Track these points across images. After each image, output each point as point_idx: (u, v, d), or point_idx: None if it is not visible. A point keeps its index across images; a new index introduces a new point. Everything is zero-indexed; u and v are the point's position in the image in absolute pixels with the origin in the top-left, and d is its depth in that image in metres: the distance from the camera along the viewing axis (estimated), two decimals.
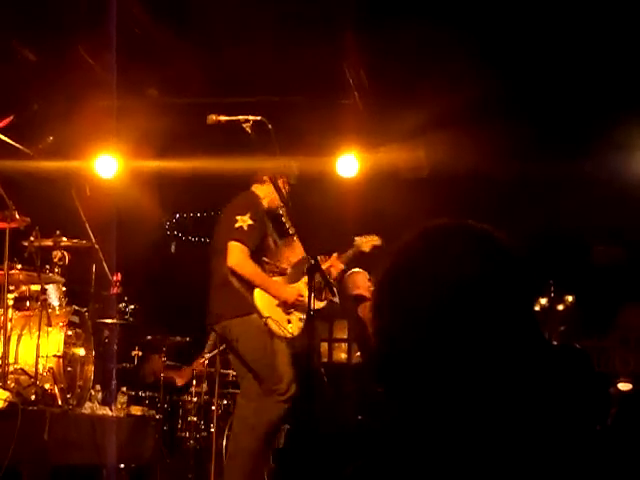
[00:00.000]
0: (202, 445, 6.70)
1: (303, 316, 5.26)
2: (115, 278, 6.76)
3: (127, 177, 8.00)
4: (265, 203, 5.50)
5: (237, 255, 5.17)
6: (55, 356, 5.70)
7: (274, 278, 5.40)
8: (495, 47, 6.66)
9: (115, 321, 6.78)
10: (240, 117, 4.62)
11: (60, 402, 5.60)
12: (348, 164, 7.94)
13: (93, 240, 6.56)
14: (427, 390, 1.21)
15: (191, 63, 7.34)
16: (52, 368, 5.67)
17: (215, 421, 6.44)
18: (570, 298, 8.24)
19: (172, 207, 9.53)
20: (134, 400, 6.63)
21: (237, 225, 5.18)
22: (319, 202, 7.81)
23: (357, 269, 7.05)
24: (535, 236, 7.27)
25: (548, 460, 1.18)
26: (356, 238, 6.06)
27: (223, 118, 4.67)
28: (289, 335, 5.27)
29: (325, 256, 5.77)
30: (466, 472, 1.18)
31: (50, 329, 5.75)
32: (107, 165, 7.93)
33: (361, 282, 6.97)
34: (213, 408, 6.53)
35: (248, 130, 4.60)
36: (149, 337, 7.23)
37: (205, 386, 6.94)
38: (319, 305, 5.33)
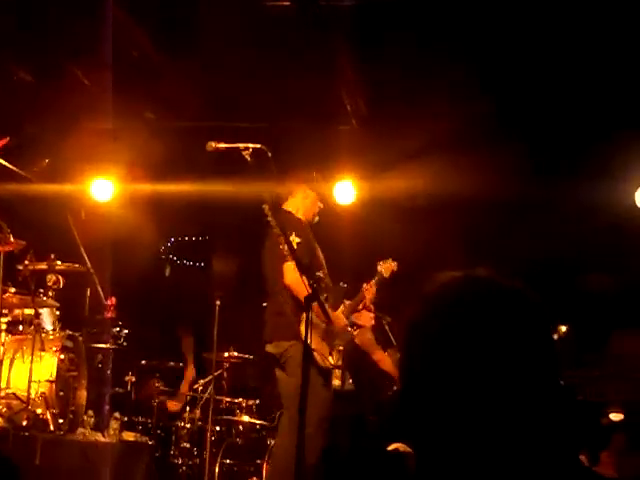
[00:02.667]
0: (195, 471, 6.64)
1: (341, 347, 5.29)
2: (109, 302, 6.72)
3: (123, 201, 7.97)
4: (301, 216, 5.51)
5: (292, 274, 5.10)
6: (48, 381, 5.67)
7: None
8: (492, 73, 6.70)
9: (109, 346, 6.74)
10: (239, 145, 4.62)
11: (52, 427, 5.56)
12: (345, 191, 7.94)
13: (88, 264, 6.53)
14: (444, 428, 1.26)
15: (188, 87, 7.35)
16: (45, 393, 5.63)
17: (208, 447, 6.39)
18: (564, 328, 8.24)
19: (167, 231, 9.51)
20: (127, 426, 6.58)
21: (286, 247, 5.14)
22: (316, 228, 7.80)
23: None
24: (529, 262, 7.28)
25: None
26: (378, 264, 6.02)
27: (222, 145, 4.66)
28: (330, 366, 5.30)
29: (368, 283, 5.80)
30: None
31: (43, 354, 5.72)
32: (103, 188, 7.91)
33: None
34: (207, 434, 6.48)
35: (247, 158, 4.61)
36: (143, 362, 7.18)
37: (198, 412, 6.89)
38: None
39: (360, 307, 5.83)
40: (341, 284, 6.08)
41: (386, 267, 6.01)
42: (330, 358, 5.32)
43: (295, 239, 5.21)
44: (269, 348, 5.39)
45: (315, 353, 5.16)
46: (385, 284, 5.99)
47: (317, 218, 5.70)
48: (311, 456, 4.88)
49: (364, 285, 5.84)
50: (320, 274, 5.43)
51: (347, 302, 5.82)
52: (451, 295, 1.34)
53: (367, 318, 6.84)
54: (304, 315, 5.11)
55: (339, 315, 5.53)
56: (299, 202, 5.59)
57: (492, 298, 1.31)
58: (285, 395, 5.31)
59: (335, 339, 5.47)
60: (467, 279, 1.36)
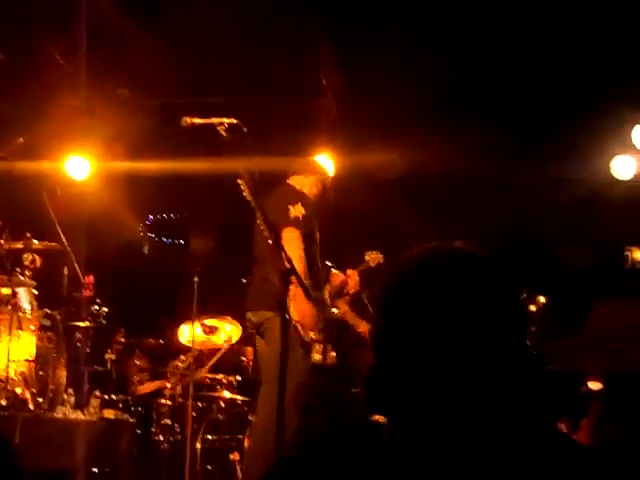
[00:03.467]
0: (176, 448, 6.65)
1: (322, 325, 5.33)
2: (87, 280, 6.69)
3: (99, 178, 7.91)
4: (306, 191, 5.49)
5: (294, 242, 5.08)
6: (26, 360, 5.66)
7: None
8: (465, 50, 6.72)
9: (87, 324, 6.72)
10: (215, 120, 4.60)
11: (32, 406, 5.55)
12: (323, 164, 7.92)
13: (65, 242, 6.48)
14: (417, 398, 1.26)
15: (163, 63, 7.30)
16: (23, 372, 5.62)
17: (190, 424, 6.41)
18: (542, 299, 8.30)
19: (145, 208, 9.48)
20: (107, 403, 6.57)
21: (292, 215, 5.14)
22: None
23: (334, 271, 7.06)
24: (506, 236, 7.33)
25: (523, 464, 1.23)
26: (366, 254, 6.07)
27: (197, 121, 4.64)
28: (310, 340, 5.28)
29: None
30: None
31: (21, 333, 5.70)
32: (78, 166, 7.83)
33: (337, 281, 6.99)
34: (188, 411, 6.50)
35: (223, 133, 4.59)
36: (122, 340, 7.17)
37: (179, 388, 6.90)
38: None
39: (344, 292, 5.85)
40: (327, 263, 6.09)
41: (373, 257, 6.06)
42: (312, 333, 5.33)
43: (301, 209, 5.17)
44: (250, 316, 5.38)
45: (298, 325, 5.17)
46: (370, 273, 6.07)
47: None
48: (290, 429, 4.91)
49: (348, 271, 5.85)
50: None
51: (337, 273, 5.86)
52: (423, 265, 1.34)
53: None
54: (291, 287, 5.16)
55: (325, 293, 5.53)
56: (304, 180, 5.55)
57: (463, 267, 1.32)
58: (264, 366, 5.31)
59: (320, 314, 5.44)
60: (438, 250, 1.36)
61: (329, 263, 6.55)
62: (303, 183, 5.56)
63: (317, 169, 5.66)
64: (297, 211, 5.18)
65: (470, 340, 1.25)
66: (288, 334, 4.57)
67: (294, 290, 4.88)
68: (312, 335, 5.34)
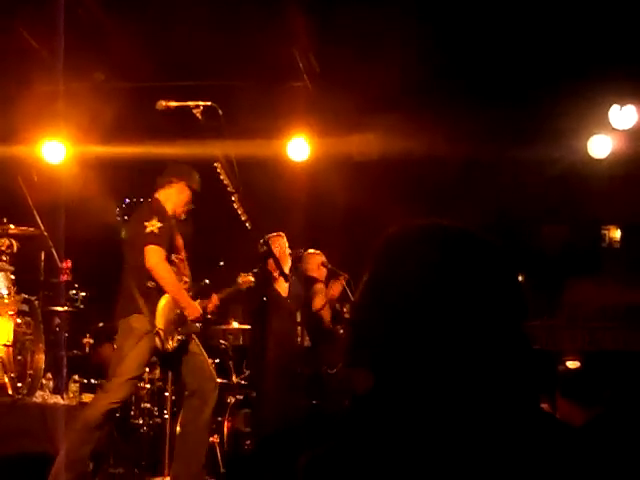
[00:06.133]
0: (156, 431, 6.66)
1: (183, 337, 5.36)
2: (65, 265, 6.68)
3: (75, 162, 7.89)
4: (169, 208, 5.47)
5: (155, 257, 5.19)
6: (5, 345, 5.65)
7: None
8: (443, 29, 6.71)
9: (65, 309, 6.71)
10: (190, 103, 4.61)
11: (10, 391, 5.56)
12: (299, 147, 7.94)
13: (42, 227, 6.46)
14: (396, 380, 1.24)
15: (138, 47, 7.25)
16: (2, 357, 5.62)
17: (169, 407, 6.42)
18: (519, 278, 8.36)
19: (121, 192, 9.43)
20: (86, 388, 6.57)
21: (148, 230, 5.19)
22: (270, 185, 7.80)
23: (312, 250, 7.08)
24: (482, 215, 7.35)
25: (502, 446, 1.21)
26: (239, 276, 6.09)
27: (173, 104, 4.66)
28: (162, 349, 5.27)
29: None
30: (429, 459, 1.20)
31: None
32: (54, 151, 7.82)
33: (314, 264, 7.02)
34: (167, 394, 6.50)
35: (198, 115, 4.61)
36: (100, 324, 7.16)
37: (158, 372, 6.90)
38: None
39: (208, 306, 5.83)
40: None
41: (245, 281, 6.10)
42: (169, 343, 5.28)
43: (157, 224, 5.22)
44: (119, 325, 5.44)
45: (160, 332, 5.18)
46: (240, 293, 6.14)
47: (184, 216, 5.63)
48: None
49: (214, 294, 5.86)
50: (174, 257, 5.44)
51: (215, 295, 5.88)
52: (417, 239, 1.30)
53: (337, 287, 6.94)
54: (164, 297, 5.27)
55: (196, 305, 5.49)
56: (173, 195, 5.51)
57: (462, 243, 1.28)
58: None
59: (181, 326, 5.41)
60: (432, 226, 1.32)
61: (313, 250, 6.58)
62: (170, 198, 5.51)
63: (182, 177, 5.58)
64: (152, 226, 5.21)
65: (464, 317, 1.22)
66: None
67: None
68: (168, 345, 5.26)
